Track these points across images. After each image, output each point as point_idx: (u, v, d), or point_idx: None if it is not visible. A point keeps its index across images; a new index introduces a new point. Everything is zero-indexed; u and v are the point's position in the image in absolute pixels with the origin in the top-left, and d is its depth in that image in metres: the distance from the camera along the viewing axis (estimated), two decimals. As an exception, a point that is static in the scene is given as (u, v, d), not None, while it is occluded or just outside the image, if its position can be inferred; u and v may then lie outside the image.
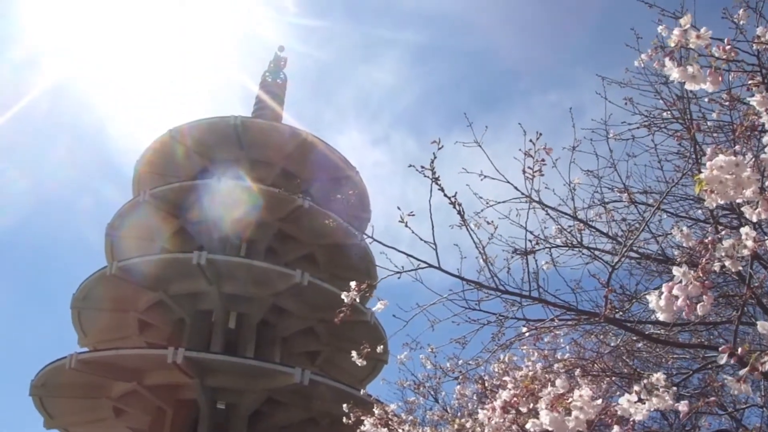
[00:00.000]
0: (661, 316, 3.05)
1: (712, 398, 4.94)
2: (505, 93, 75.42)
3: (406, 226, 4.47)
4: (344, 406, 8.69)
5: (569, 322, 4.75)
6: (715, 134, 7.20)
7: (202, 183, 33.03)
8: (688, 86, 2.81)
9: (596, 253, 7.50)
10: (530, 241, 6.26)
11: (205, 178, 33.78)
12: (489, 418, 3.68)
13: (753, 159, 2.97)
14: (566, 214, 7.32)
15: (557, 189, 7.39)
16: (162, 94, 68.36)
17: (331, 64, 72.90)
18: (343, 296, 4.75)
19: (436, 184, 4.41)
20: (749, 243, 3.38)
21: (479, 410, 4.01)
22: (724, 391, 11.45)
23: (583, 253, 7.62)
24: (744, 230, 3.41)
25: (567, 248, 7.52)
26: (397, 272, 4.71)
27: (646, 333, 5.49)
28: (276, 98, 40.23)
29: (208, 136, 35.01)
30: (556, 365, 7.05)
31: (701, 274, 2.99)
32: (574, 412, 3.14)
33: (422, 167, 4.39)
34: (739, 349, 2.46)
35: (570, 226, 7.50)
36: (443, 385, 10.58)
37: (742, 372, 2.39)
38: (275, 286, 30.36)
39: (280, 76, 41.75)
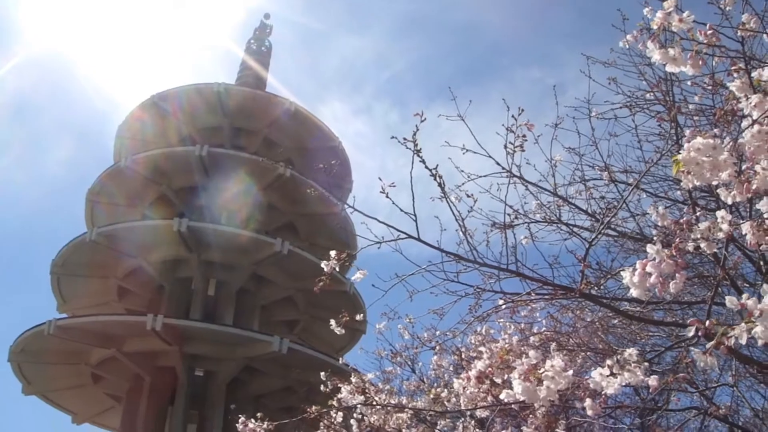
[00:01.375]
0: (634, 292, 3.12)
1: (682, 374, 5.04)
2: (489, 68, 75.36)
3: (387, 197, 4.50)
4: (321, 374, 8.72)
5: (545, 296, 4.82)
6: (696, 117, 7.27)
7: (185, 150, 32.81)
8: (669, 68, 2.85)
9: (575, 229, 7.58)
10: (509, 215, 6.32)
11: (188, 144, 33.55)
12: (464, 388, 3.75)
13: (731, 143, 3.02)
14: (546, 190, 7.39)
15: (538, 165, 7.45)
16: (147, 62, 67.74)
17: (316, 33, 72.54)
18: (323, 265, 4.80)
19: (418, 156, 4.45)
20: (725, 226, 3.45)
21: (454, 380, 4.08)
22: (696, 369, 11.64)
23: (561, 229, 7.70)
24: (720, 213, 3.47)
25: (546, 224, 7.60)
26: (377, 242, 4.76)
27: (621, 309, 5.58)
28: (261, 66, 39.98)
29: (191, 103, 34.74)
30: (531, 338, 7.15)
31: (674, 253, 3.05)
32: (546, 382, 3.21)
33: (404, 139, 4.43)
34: (707, 323, 2.53)
35: (549, 202, 7.57)
36: (420, 355, 10.68)
37: (709, 345, 2.46)
38: (255, 254, 30.37)
39: (265, 43, 41.46)
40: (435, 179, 4.54)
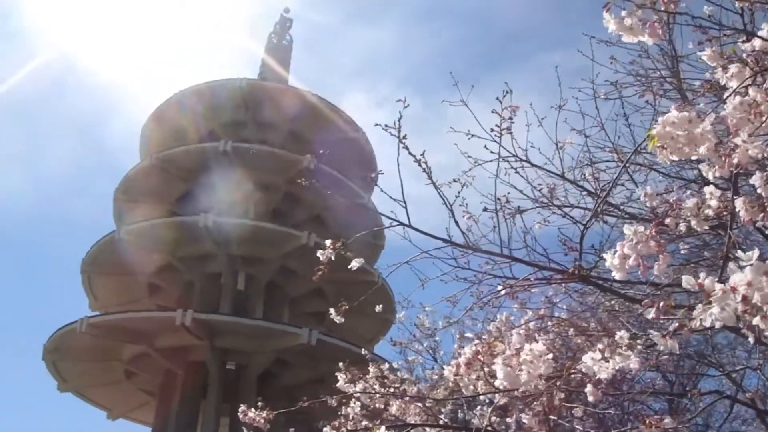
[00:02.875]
0: (616, 275, 3.03)
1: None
2: (509, 54, 75.05)
3: (376, 184, 4.49)
4: (340, 364, 8.67)
5: (543, 281, 4.75)
6: (707, 93, 7.13)
7: (209, 146, 32.94)
8: (626, 39, 2.76)
9: (585, 212, 7.47)
10: (504, 198, 6.30)
11: (212, 141, 33.68)
12: (455, 375, 3.70)
13: (713, 116, 2.94)
14: (555, 174, 7.31)
15: (552, 149, 7.38)
16: (168, 61, 68.12)
17: (335, 25, 72.61)
18: (318, 254, 4.82)
19: (401, 143, 4.44)
20: (713, 202, 3.36)
21: (444, 367, 4.03)
22: (720, 353, 11.48)
23: (570, 215, 7.60)
24: (708, 189, 3.38)
25: (556, 207, 7.51)
26: (368, 230, 4.74)
27: (621, 293, 5.50)
28: (281, 61, 39.93)
29: (214, 99, 34.85)
30: (549, 324, 7.06)
31: (653, 233, 2.94)
32: (524, 366, 3.14)
33: (386, 126, 4.41)
34: (661, 304, 2.45)
35: (555, 185, 7.49)
36: (442, 345, 10.70)
37: (672, 327, 2.39)
38: (282, 247, 30.47)
39: (285, 38, 41.42)
40: (420, 165, 4.52)
